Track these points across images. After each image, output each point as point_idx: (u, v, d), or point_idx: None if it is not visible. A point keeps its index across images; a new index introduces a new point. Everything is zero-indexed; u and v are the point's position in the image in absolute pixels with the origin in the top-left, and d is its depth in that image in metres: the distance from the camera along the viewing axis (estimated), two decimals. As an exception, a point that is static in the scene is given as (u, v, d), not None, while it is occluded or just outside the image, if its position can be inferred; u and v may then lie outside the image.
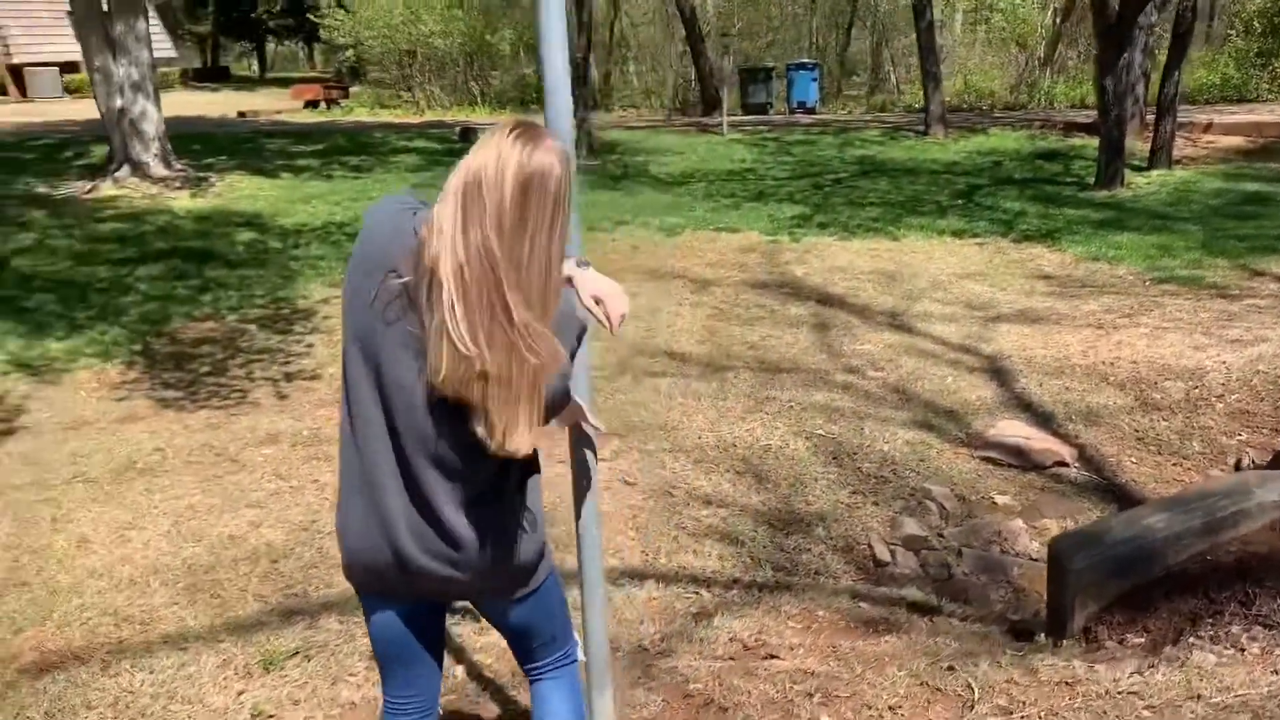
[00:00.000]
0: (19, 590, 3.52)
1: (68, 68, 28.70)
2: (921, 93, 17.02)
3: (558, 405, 1.84)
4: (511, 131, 1.63)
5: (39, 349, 6.29)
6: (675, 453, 4.80)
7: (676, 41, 23.49)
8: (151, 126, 13.01)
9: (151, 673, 3.01)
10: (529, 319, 1.59)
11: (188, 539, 3.91)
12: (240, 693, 2.92)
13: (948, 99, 17.88)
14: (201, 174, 13.36)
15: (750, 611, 3.30)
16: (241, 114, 22.13)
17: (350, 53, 23.53)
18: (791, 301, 7.46)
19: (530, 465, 1.84)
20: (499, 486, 1.77)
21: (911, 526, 4.25)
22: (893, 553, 4.06)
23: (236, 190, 12.42)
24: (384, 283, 1.65)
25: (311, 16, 27.86)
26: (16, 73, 28.27)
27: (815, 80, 21.63)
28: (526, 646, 2.03)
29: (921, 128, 16.30)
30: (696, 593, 3.52)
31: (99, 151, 13.93)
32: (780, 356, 6.20)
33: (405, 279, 1.64)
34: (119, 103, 12.77)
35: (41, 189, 12.64)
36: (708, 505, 4.29)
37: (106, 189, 12.47)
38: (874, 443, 4.97)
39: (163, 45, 33.76)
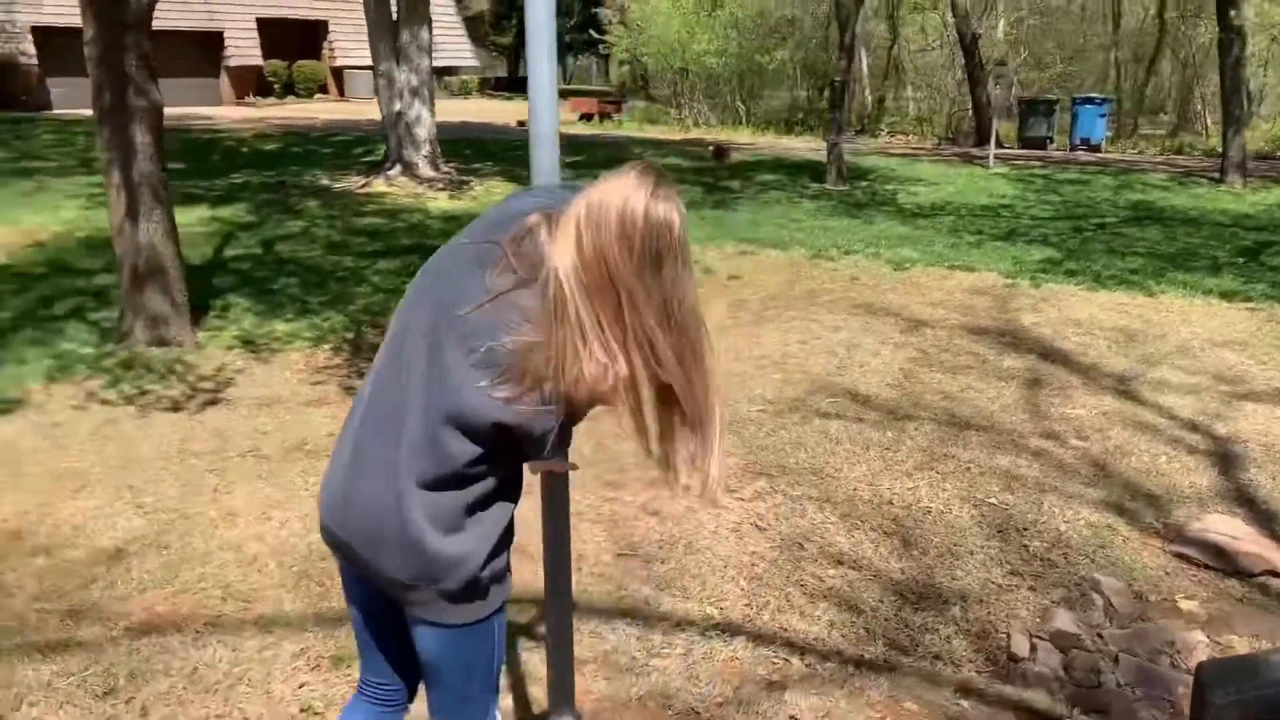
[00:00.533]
0: (158, 552, 3.79)
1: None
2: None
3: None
4: (640, 175, 1.63)
5: (266, 328, 6.83)
6: (822, 503, 4.52)
7: (955, 69, 22.58)
8: (424, 130, 13.92)
9: (233, 650, 3.14)
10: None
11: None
12: (301, 685, 2.98)
13: (1261, 145, 16.09)
14: (464, 177, 14.15)
15: (830, 690, 3.01)
16: (520, 123, 23.34)
17: (625, 69, 24.29)
18: (1009, 353, 6.89)
19: (514, 485, 1.75)
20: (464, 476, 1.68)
21: (1065, 620, 3.76)
22: (1034, 647, 3.60)
23: (491, 194, 13.04)
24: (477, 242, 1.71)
25: (592, 33, 29.01)
26: (338, 74, 31.27)
27: (1103, 116, 20.11)
28: (430, 695, 1.89)
29: (1216, 174, 14.74)
30: (786, 659, 3.27)
31: (383, 150, 15.03)
32: (974, 411, 5.72)
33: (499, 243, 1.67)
34: (398, 106, 13.76)
35: (325, 181, 13.83)
36: (838, 564, 4.00)
37: (378, 185, 13.47)
38: (1050, 519, 4.47)
39: (465, 54, 36.29)
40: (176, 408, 5.42)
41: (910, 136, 21.96)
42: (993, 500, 4.63)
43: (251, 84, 31.26)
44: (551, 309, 1.61)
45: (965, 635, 3.63)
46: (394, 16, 13.65)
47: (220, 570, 3.66)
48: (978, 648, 3.59)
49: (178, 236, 6.57)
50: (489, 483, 1.71)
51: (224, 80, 30.71)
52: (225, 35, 30.32)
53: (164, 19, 27.25)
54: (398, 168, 13.81)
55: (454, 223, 10.89)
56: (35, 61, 25.93)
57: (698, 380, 1.68)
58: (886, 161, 17.16)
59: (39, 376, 5.72)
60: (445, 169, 14.18)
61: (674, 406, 1.70)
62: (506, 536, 1.79)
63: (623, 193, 1.61)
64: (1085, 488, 4.80)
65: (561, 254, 1.62)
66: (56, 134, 19.68)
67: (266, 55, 31.30)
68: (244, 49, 30.83)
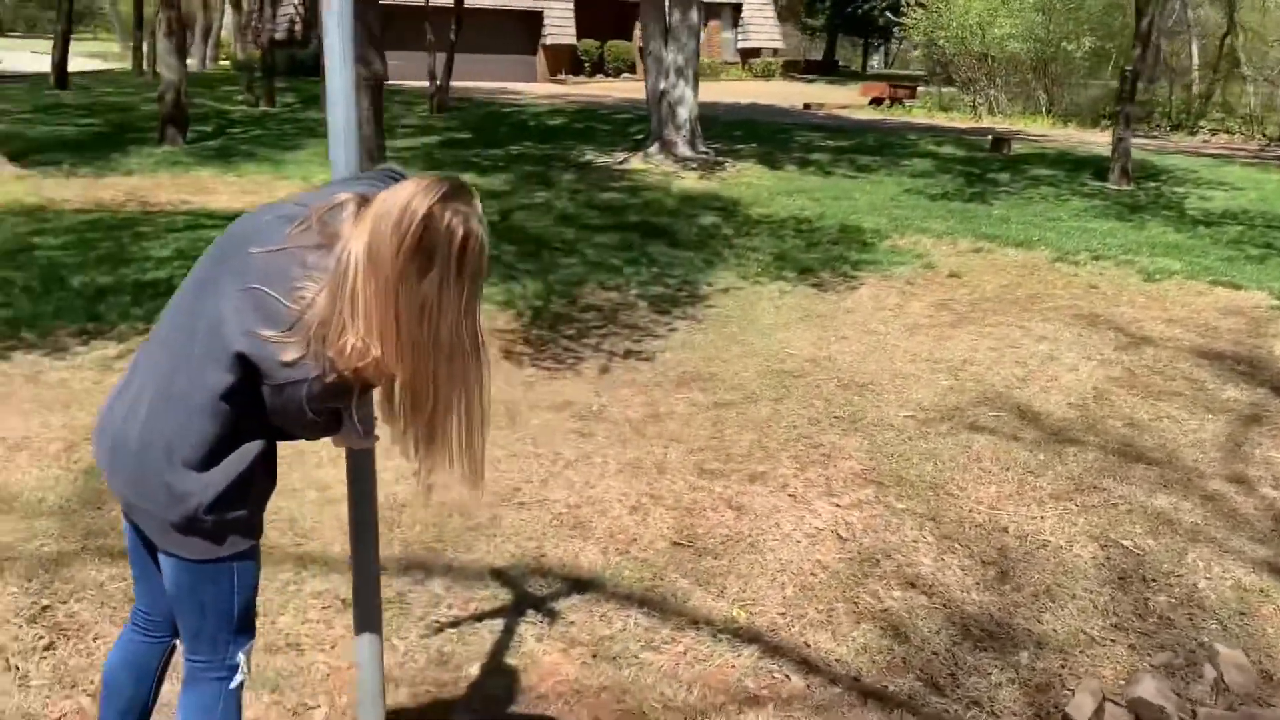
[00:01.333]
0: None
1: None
2: None
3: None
4: (438, 183, 1.71)
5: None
6: (924, 520, 4.18)
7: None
8: (685, 110, 14.09)
9: (264, 580, 3.38)
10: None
11: (401, 477, 4.29)
12: (305, 622, 3.17)
13: None
14: (720, 159, 14.19)
15: (811, 718, 2.80)
16: (806, 106, 23.07)
17: (917, 53, 23.30)
18: (1236, 383, 6.03)
19: (260, 445, 1.80)
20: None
21: (1151, 689, 3.26)
22: (1100, 711, 3.16)
23: (740, 177, 13.00)
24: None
25: (889, 14, 28.03)
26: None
27: None
28: (179, 623, 1.96)
29: None
30: (786, 676, 3.08)
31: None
32: (1157, 443, 5.07)
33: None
34: (662, 85, 14.01)
35: (589, 156, 14.36)
36: (908, 587, 3.69)
37: (635, 163, 13.80)
38: (1190, 574, 3.89)
39: (773, 36, 36.26)
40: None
41: (1235, 136, 19.50)
42: (1127, 543, 4.09)
43: (565, 62, 32.92)
44: (338, 280, 1.65)
45: (1020, 685, 3.26)
46: (666, -2, 13.88)
47: (297, 505, 3.96)
48: (1030, 700, 3.21)
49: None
50: (233, 430, 1.77)
51: (540, 57, 32.55)
52: (545, 14, 32.08)
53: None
54: (656, 146, 14.08)
55: (689, 203, 10.98)
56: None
57: (438, 394, 1.74)
58: (1191, 162, 15.40)
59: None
60: (703, 149, 14.29)
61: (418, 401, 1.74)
62: (244, 490, 1.83)
63: (412, 192, 1.66)
64: (1252, 544, 4.13)
65: (356, 234, 1.70)
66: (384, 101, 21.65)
67: (581, 35, 32.82)
68: (561, 28, 32.49)
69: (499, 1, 29.97)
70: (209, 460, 1.76)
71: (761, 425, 5.09)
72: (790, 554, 3.85)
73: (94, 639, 3.03)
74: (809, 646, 3.28)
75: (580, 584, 3.53)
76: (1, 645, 2.99)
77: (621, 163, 13.81)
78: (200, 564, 1.85)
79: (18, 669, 2.88)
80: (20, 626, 3.06)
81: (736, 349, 6.29)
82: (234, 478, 1.78)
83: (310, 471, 4.29)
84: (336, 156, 1.94)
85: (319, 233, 1.72)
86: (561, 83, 31.15)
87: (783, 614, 3.46)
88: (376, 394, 1.87)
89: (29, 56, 33.76)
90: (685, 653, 3.17)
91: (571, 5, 32.38)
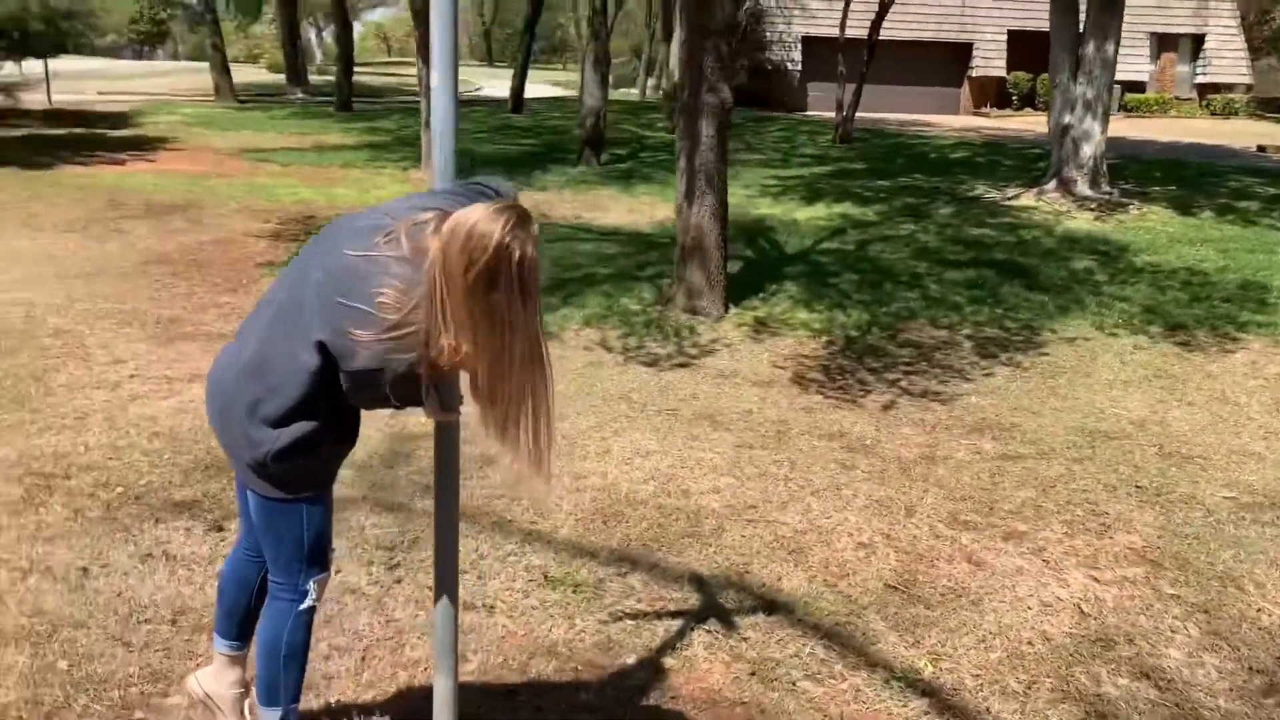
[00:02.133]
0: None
1: (1130, 86, 29.68)
2: None
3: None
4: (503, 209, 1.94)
5: (789, 314, 7.37)
6: (1195, 612, 3.67)
7: None
8: (1090, 146, 13.16)
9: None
10: None
11: (650, 478, 4.52)
12: (521, 592, 3.49)
13: None
14: (1125, 200, 13.08)
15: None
16: (1261, 148, 20.38)
17: None
18: None
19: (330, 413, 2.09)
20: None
21: None
22: None
23: (1142, 221, 11.92)
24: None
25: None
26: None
27: None
28: (263, 550, 2.26)
29: None
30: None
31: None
32: None
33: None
34: (1066, 119, 13.19)
35: (979, 190, 13.86)
36: (1141, 678, 3.28)
37: (1026, 199, 13.12)
38: None
39: (1239, 70, 32.44)
40: (654, 363, 6.24)
41: None
42: None
43: (991, 94, 31.71)
44: (427, 290, 1.91)
45: None
46: (1080, 30, 13.02)
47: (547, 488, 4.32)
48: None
49: (725, 221, 7.39)
50: (308, 399, 2.05)
51: (965, 90, 31.62)
52: (975, 46, 31.13)
53: (919, 30, 29.02)
54: (1053, 183, 13.23)
55: (1068, 244, 10.24)
56: (799, 68, 29.50)
57: (511, 393, 1.96)
58: None
59: (579, 320, 6.98)
60: (1106, 189, 13.20)
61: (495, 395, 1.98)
62: (311, 447, 2.11)
63: (479, 217, 1.87)
64: None
65: (435, 249, 1.91)
66: (785, 131, 22.33)
67: (1011, 67, 31.45)
68: (990, 60, 31.36)
69: (925, 34, 29.56)
70: (283, 421, 2.07)
71: (1045, 484, 4.72)
72: (1013, 619, 3.57)
73: (336, 571, 3.55)
74: (989, 714, 3.05)
75: (772, 606, 3.54)
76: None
77: (1011, 198, 13.14)
78: (273, 501, 2.18)
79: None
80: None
81: (1053, 402, 5.84)
82: (299, 436, 2.08)
83: (575, 463, 4.65)
84: (436, 168, 2.14)
85: (405, 245, 1.95)
86: (985, 115, 30.03)
87: (976, 676, 3.23)
88: (465, 379, 2.08)
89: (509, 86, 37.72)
90: (846, 691, 3.09)
91: (1004, 37, 31.12)
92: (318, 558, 2.28)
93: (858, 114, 20.47)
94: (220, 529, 3.80)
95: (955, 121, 27.01)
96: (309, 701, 2.75)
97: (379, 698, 2.82)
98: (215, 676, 2.45)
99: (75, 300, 7.02)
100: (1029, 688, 3.19)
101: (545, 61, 78.94)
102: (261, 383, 2.07)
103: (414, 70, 20.51)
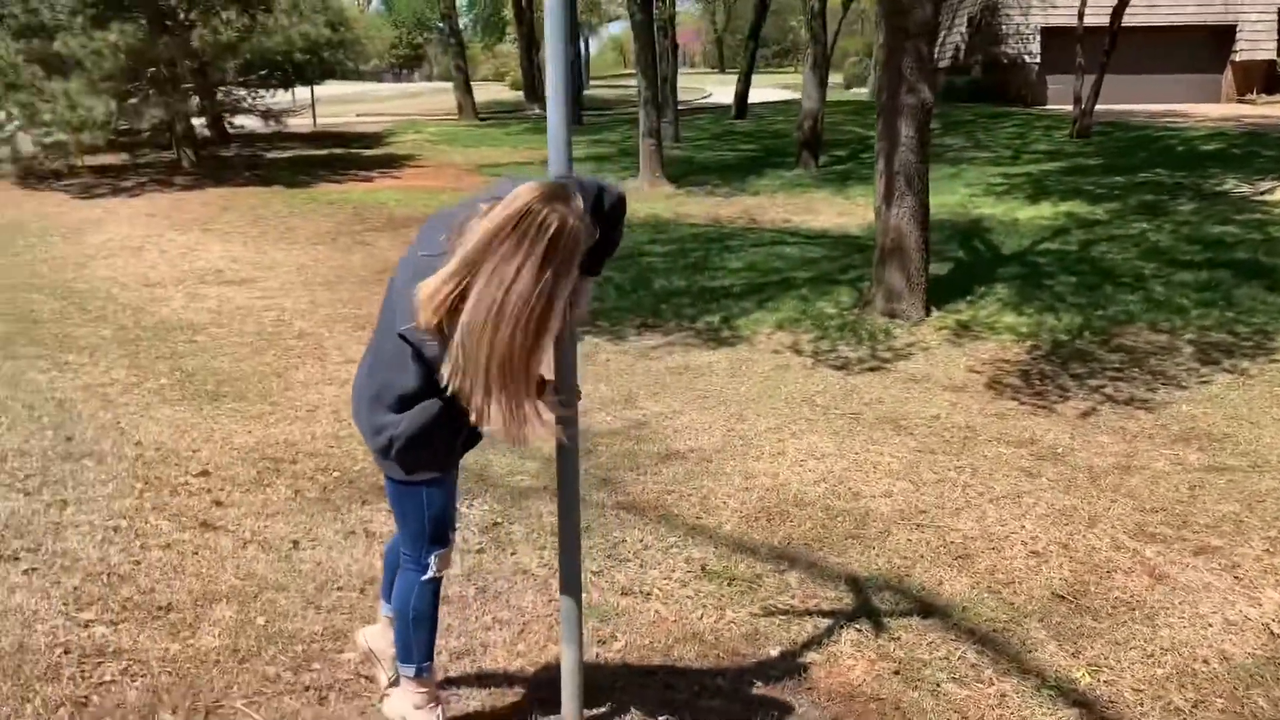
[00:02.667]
0: (687, 452, 4.73)
1: None
2: None
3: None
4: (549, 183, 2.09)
5: (995, 317, 7.17)
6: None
7: None
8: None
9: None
10: None
11: (822, 480, 4.56)
12: (678, 582, 3.66)
13: None
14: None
15: None
16: None
17: None
18: None
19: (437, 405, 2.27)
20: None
21: None
22: None
23: None
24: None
25: None
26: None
27: None
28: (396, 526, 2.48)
29: None
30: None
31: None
32: None
33: None
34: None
35: (1229, 185, 12.88)
36: None
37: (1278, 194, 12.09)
38: None
39: None
40: (843, 367, 6.24)
41: None
42: None
43: (1258, 79, 29.01)
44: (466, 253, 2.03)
45: None
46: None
47: (718, 485, 4.45)
48: None
49: (926, 222, 7.27)
50: (417, 388, 2.26)
51: (1227, 75, 29.10)
52: (1238, 28, 28.61)
53: (1173, 14, 27.00)
54: (1318, 175, 12.06)
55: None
56: (1038, 60, 28.09)
57: (483, 343, 2.00)
58: None
59: (771, 323, 7.06)
60: (1381, 180, 11.91)
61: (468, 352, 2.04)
62: (427, 435, 2.32)
63: (526, 189, 2.02)
64: None
65: (484, 210, 2.06)
66: (1019, 126, 21.36)
67: (1283, 48, 28.67)
68: (1256, 42, 28.71)
69: (1178, 18, 27.42)
70: (399, 407, 2.30)
71: (1252, 498, 4.40)
72: (1190, 635, 3.39)
73: (511, 554, 3.84)
74: (1135, 731, 2.93)
75: (929, 609, 3.53)
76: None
77: (1264, 193, 12.08)
78: (398, 484, 2.43)
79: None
80: (471, 532, 3.98)
81: (1276, 412, 5.41)
82: (416, 425, 2.30)
83: (748, 463, 4.76)
84: (551, 161, 2.25)
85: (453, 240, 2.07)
86: (1251, 103, 27.48)
87: (1137, 690, 3.11)
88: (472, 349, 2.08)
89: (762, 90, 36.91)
90: (992, 695, 3.05)
91: (1274, 17, 28.38)
92: (438, 535, 2.49)
93: (1102, 106, 19.32)
94: (415, 511, 4.18)
95: (1213, 111, 24.90)
96: (464, 665, 3.03)
97: (526, 667, 3.06)
98: (380, 634, 2.76)
99: (319, 306, 7.79)
100: (1195, 706, 3.04)
101: (776, 65, 78.93)
102: (380, 376, 2.33)
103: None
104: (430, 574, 2.51)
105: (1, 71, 13.14)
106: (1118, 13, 17.89)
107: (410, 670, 2.58)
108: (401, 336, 2.17)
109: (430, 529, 2.47)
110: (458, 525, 2.85)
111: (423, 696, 2.60)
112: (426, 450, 2.36)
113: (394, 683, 2.70)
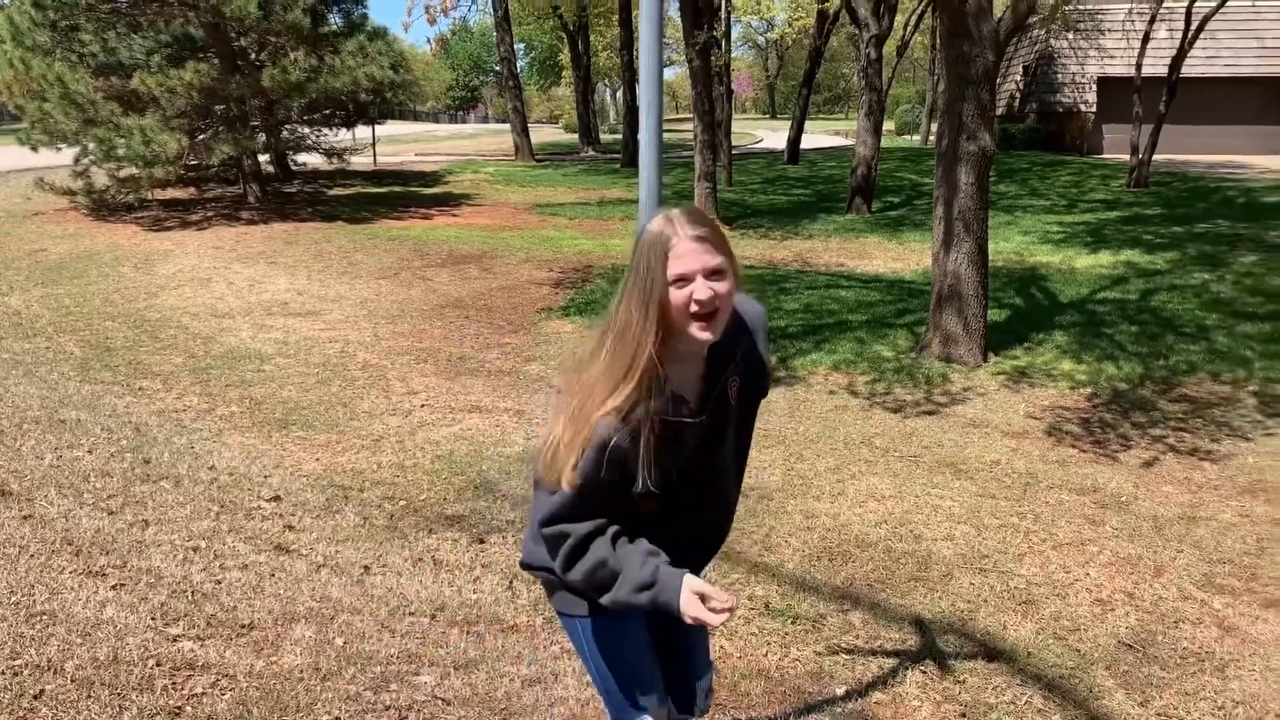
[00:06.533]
0: (757, 493, 4.76)
1: None
2: None
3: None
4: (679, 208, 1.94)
5: (1053, 364, 7.14)
6: None
7: None
8: None
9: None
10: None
11: (883, 521, 4.57)
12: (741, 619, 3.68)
13: None
14: None
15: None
16: None
17: None
18: None
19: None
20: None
21: None
22: None
23: None
24: None
25: None
26: None
27: None
28: None
29: None
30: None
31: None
32: None
33: None
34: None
35: (1289, 237, 12.69)
36: None
37: (1346, 246, 11.91)
38: None
39: None
40: (900, 409, 6.25)
41: None
42: None
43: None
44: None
45: None
46: None
47: (779, 523, 4.48)
48: None
49: (985, 268, 7.28)
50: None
51: (1293, 126, 28.75)
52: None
53: (1233, 65, 26.76)
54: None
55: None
56: (1094, 109, 27.98)
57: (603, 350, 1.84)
58: None
59: (828, 364, 7.10)
60: None
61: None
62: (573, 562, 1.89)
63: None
64: None
65: None
66: (1075, 175, 21.26)
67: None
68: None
69: (1241, 68, 27.21)
70: (537, 534, 1.96)
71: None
72: (1262, 689, 3.36)
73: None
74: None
75: (994, 654, 3.52)
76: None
77: (1327, 246, 11.92)
78: (561, 616, 2.11)
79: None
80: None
81: (1346, 466, 5.34)
82: (559, 547, 1.90)
83: (808, 502, 4.79)
84: (641, 202, 2.34)
85: None
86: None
87: (1196, 742, 3.09)
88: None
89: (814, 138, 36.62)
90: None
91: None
92: (622, 696, 2.08)
93: (1160, 156, 19.21)
94: (482, 541, 4.26)
95: (1274, 163, 24.62)
96: (535, 693, 3.08)
97: (595, 697, 3.10)
98: None
99: (381, 338, 7.96)
100: (1269, 761, 3.01)
101: (828, 111, 79.27)
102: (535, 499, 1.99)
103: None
104: None
105: (81, 107, 13.63)
106: (1176, 64, 17.84)
107: None
108: None
109: (615, 686, 2.13)
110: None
111: None
112: (565, 582, 2.03)
113: None
